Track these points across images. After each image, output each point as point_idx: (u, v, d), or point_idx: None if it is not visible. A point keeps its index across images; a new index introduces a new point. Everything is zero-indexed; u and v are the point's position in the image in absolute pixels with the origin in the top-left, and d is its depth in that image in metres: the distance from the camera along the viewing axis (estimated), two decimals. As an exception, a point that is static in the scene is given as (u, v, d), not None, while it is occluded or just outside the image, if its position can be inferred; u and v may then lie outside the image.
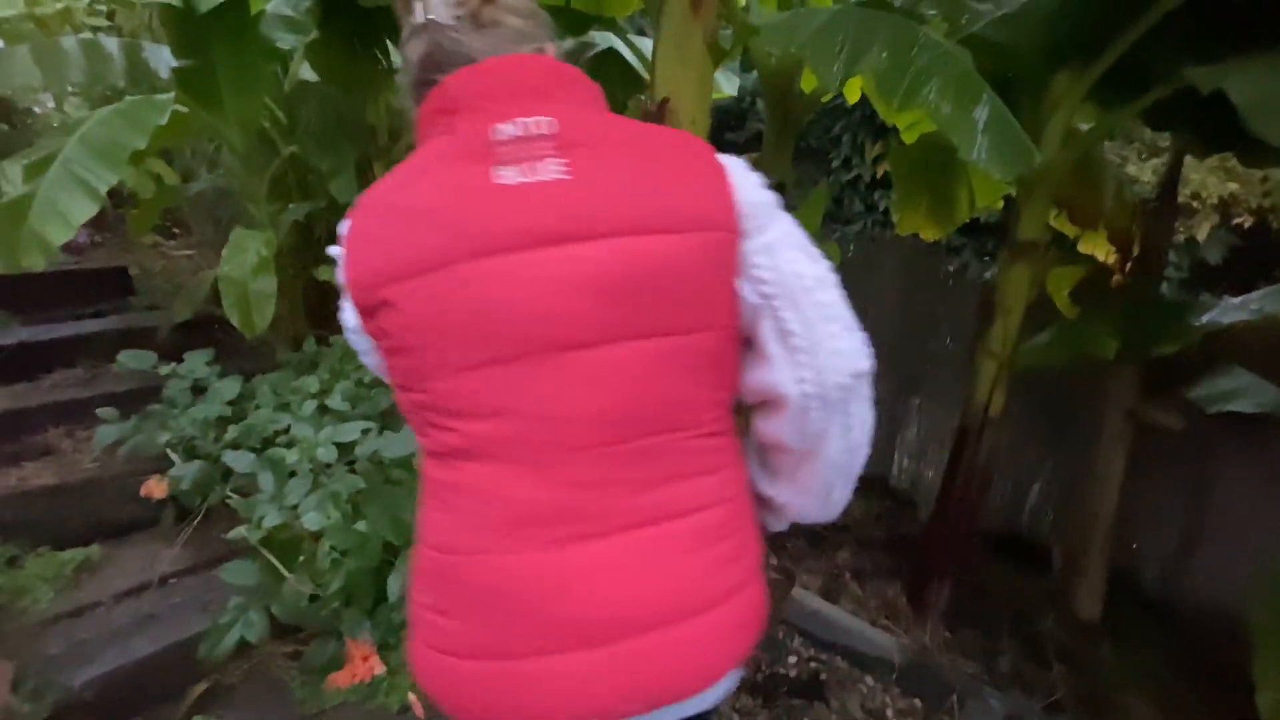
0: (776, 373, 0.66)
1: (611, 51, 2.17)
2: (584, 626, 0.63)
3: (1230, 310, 1.83)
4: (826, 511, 0.77)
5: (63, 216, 1.65)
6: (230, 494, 1.80)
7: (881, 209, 3.46)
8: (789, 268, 0.66)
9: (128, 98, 1.97)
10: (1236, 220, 3.29)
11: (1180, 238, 3.36)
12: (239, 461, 1.76)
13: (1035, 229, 1.80)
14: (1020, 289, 1.83)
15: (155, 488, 1.80)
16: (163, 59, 2.12)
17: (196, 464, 1.84)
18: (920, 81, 1.17)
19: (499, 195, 0.61)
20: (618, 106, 2.33)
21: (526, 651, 0.64)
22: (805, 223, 2.66)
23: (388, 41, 2.38)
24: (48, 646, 1.51)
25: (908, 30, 1.28)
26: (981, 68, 1.31)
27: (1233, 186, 3.24)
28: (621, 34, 2.14)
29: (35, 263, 1.64)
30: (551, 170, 0.61)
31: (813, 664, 2.03)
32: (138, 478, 1.85)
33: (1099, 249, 2.16)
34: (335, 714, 1.53)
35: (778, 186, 2.11)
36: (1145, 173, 3.24)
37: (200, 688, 1.52)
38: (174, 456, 1.90)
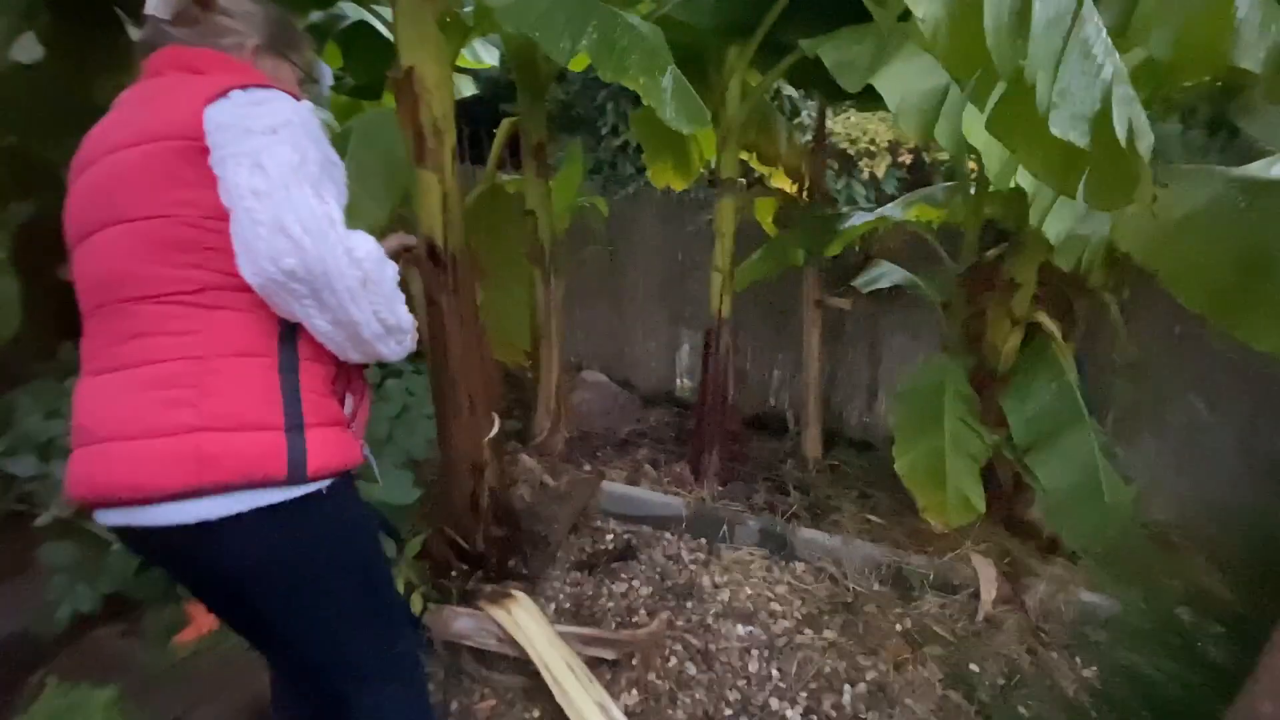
0: (240, 265, 0.84)
1: (363, 23, 2.27)
2: (80, 431, 0.91)
3: (861, 217, 2.59)
4: (366, 351, 0.95)
5: None
6: (18, 504, 1.69)
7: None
8: (231, 178, 0.83)
9: None
10: (901, 159, 4.40)
11: (865, 174, 4.39)
12: (22, 466, 1.66)
13: (730, 169, 2.37)
14: (728, 216, 2.40)
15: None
16: None
17: (-42, 479, 1.68)
18: (623, 57, 1.53)
19: (93, 132, 0.96)
20: (376, 74, 2.43)
21: (74, 442, 0.92)
22: (568, 180, 3.06)
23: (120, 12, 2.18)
24: None
25: (612, 13, 1.65)
26: (675, 42, 1.71)
27: (896, 133, 4.31)
28: (368, 6, 2.25)
29: None
30: (110, 118, 0.95)
31: (625, 535, 2.51)
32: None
33: (785, 183, 2.85)
34: (190, 663, 1.59)
35: (537, 146, 2.45)
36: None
37: (38, 677, 1.48)
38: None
